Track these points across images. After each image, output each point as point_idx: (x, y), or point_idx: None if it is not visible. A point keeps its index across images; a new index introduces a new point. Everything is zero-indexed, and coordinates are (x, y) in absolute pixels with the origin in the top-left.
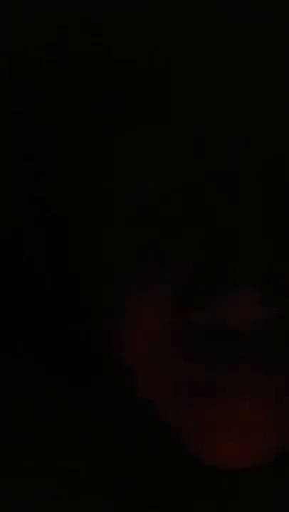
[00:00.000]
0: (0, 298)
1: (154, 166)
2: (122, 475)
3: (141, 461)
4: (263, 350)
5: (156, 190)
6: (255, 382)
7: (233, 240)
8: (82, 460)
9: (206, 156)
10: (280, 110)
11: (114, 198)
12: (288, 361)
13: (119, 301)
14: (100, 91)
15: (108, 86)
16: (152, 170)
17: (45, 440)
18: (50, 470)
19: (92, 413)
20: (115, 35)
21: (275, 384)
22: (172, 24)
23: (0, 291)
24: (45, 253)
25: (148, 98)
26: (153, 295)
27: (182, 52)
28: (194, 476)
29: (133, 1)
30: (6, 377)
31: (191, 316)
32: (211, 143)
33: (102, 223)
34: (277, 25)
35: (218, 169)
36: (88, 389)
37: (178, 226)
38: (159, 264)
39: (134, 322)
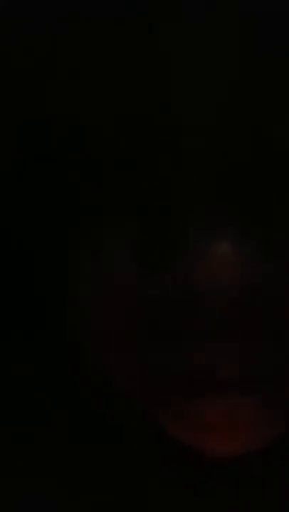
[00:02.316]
0: None
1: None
2: (120, 472)
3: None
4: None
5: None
6: (229, 370)
7: (197, 194)
8: (80, 460)
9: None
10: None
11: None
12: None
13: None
14: None
15: None
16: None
17: (42, 440)
18: (51, 470)
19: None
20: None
21: (254, 371)
22: None
23: None
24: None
25: None
26: (110, 255)
27: None
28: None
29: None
30: None
31: (155, 281)
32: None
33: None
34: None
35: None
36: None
37: (133, 179)
38: (114, 221)
39: (93, 289)
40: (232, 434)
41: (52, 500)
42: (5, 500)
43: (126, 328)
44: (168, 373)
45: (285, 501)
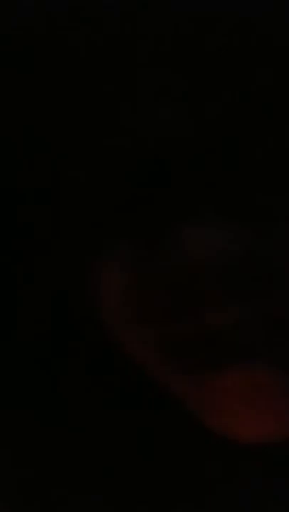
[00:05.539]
0: None
1: None
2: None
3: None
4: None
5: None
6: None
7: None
8: (80, 460)
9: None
10: None
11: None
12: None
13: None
14: None
15: None
16: None
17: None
18: (51, 470)
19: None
20: None
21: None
22: None
23: None
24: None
25: None
26: (119, 248)
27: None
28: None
29: None
30: None
31: (158, 257)
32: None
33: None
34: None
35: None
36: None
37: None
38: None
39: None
40: (258, 418)
41: (52, 500)
42: (5, 500)
43: (135, 305)
44: (187, 342)
45: None
